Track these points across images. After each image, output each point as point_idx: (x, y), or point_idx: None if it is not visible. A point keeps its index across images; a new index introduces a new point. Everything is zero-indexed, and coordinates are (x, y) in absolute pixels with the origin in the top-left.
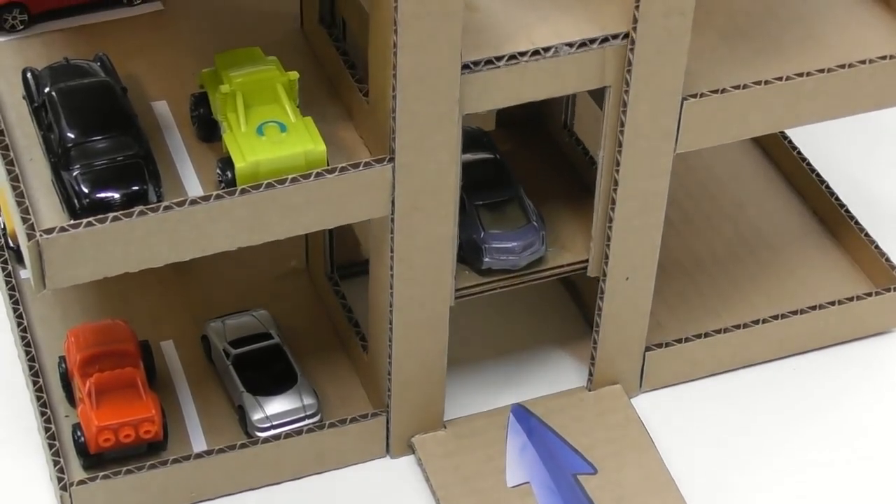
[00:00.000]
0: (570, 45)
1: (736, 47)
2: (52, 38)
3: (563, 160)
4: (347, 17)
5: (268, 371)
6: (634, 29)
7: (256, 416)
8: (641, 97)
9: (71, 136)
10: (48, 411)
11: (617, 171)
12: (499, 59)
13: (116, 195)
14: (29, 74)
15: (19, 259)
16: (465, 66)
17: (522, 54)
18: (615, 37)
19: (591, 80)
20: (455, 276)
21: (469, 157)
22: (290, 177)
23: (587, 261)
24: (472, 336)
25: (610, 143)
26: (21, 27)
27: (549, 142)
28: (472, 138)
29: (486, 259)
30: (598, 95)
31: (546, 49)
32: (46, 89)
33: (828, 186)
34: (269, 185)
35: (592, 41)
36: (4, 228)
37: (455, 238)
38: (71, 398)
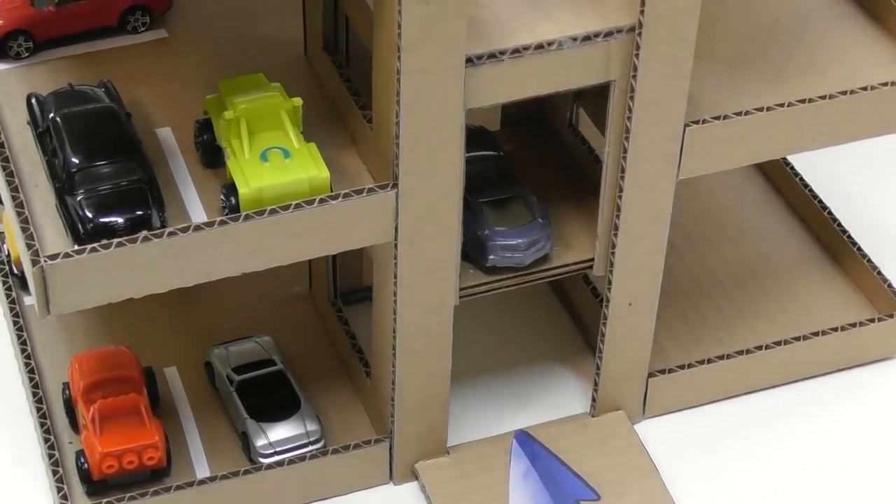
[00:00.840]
0: (575, 38)
1: (738, 74)
2: (57, 64)
3: (567, 159)
4: (352, 44)
5: (271, 397)
6: (637, 55)
7: (260, 443)
8: (644, 123)
9: (75, 161)
10: (52, 437)
11: (623, 171)
12: (502, 52)
13: (120, 220)
14: (33, 100)
15: (24, 285)
16: (469, 60)
17: (526, 48)
18: (619, 30)
19: (596, 75)
20: (459, 275)
21: (473, 155)
22: (293, 203)
23: (593, 259)
24: (475, 362)
25: (615, 139)
26: (26, 54)
27: (553, 141)
28: (475, 137)
29: (491, 256)
30: (594, 110)
31: (550, 43)
32: (51, 115)
33: (830, 212)
34: (272, 211)
35: (597, 35)
36: (9, 255)
37: (457, 264)
38: (74, 424)
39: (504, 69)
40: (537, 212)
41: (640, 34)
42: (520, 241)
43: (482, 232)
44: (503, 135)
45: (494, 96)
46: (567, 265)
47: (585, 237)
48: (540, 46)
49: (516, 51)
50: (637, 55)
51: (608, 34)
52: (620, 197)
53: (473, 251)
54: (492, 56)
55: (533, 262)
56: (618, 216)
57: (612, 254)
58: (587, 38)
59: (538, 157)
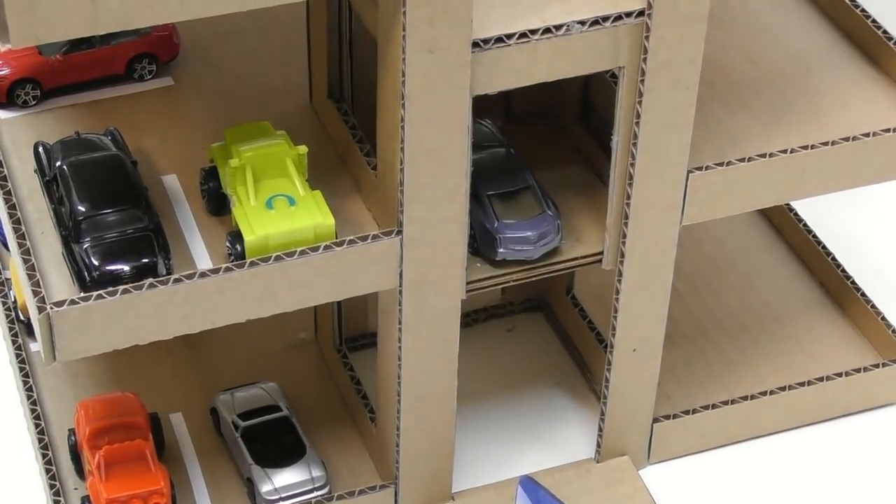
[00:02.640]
0: (583, 22)
1: (740, 120)
2: (63, 113)
3: (576, 153)
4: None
5: (276, 443)
6: (640, 102)
7: (265, 489)
8: (647, 170)
9: (82, 209)
10: (57, 484)
11: (632, 164)
12: (509, 37)
13: (126, 268)
14: (41, 148)
15: (30, 332)
16: (475, 45)
17: (533, 32)
18: (629, 14)
19: (605, 60)
20: (467, 268)
21: (480, 147)
22: (298, 249)
23: (602, 253)
24: (479, 406)
25: (624, 128)
26: (34, 102)
27: (561, 135)
28: (481, 131)
29: (501, 249)
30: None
31: (557, 27)
32: (58, 163)
33: (834, 258)
34: (278, 258)
35: (605, 19)
36: (15, 301)
37: (458, 307)
38: (80, 471)
39: (511, 54)
40: (547, 204)
41: (643, 80)
42: (530, 233)
43: (491, 225)
44: (510, 130)
45: (501, 82)
46: (576, 258)
47: (594, 231)
48: (548, 31)
49: (524, 35)
50: (643, 81)
51: (617, 18)
52: (629, 202)
53: (482, 245)
54: (499, 40)
55: (542, 255)
56: (623, 243)
57: (622, 247)
58: (595, 22)
59: (546, 152)
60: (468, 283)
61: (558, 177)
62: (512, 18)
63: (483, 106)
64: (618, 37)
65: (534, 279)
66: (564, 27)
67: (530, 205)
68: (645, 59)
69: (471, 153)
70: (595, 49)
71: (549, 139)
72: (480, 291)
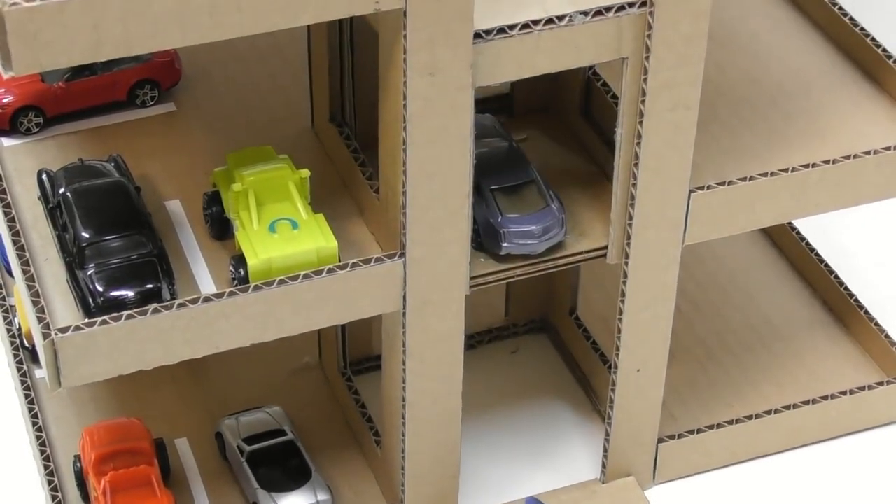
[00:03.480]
0: (585, 13)
1: (741, 140)
2: (66, 139)
3: (579, 148)
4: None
5: (282, 467)
6: (641, 122)
7: None
8: (649, 190)
9: (86, 235)
10: None
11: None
12: (511, 27)
13: (131, 293)
14: (44, 176)
15: (34, 359)
16: (478, 35)
17: (536, 23)
18: (631, 4)
19: (608, 51)
20: (471, 264)
21: (483, 142)
22: (302, 273)
23: (606, 247)
24: (484, 427)
25: (628, 120)
26: (37, 130)
27: (564, 130)
28: (484, 126)
29: (505, 244)
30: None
31: (560, 17)
32: (61, 190)
33: (836, 276)
34: (281, 282)
35: (608, 9)
36: (20, 328)
37: (462, 329)
38: (86, 497)
39: (513, 44)
40: (550, 198)
41: (643, 102)
42: (534, 227)
43: (495, 219)
44: (513, 124)
45: (504, 73)
46: (581, 252)
47: (599, 225)
48: (550, 21)
49: (526, 25)
50: (641, 121)
51: (620, 8)
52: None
53: (486, 240)
54: (501, 31)
55: (546, 250)
56: (626, 263)
57: (628, 243)
58: (599, 12)
59: (549, 146)
60: (472, 279)
61: (561, 172)
62: (514, 9)
63: (485, 101)
64: (621, 27)
65: (538, 274)
66: (567, 17)
67: (534, 199)
68: (647, 76)
69: (472, 173)
70: (598, 40)
71: (552, 134)
72: (484, 313)
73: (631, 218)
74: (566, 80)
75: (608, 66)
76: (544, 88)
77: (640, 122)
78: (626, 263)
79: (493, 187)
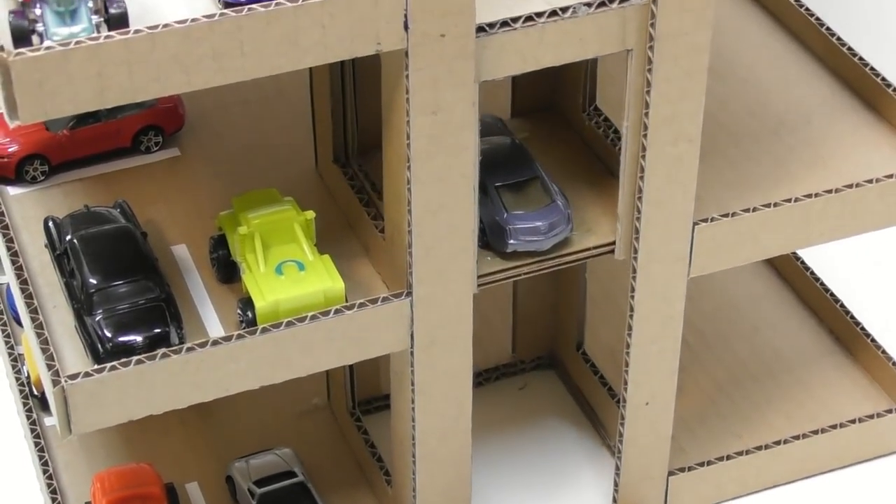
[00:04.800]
0: (589, 4)
1: (744, 171)
2: (72, 187)
3: (583, 145)
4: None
5: None
6: (643, 156)
7: None
8: (653, 223)
9: (93, 281)
10: None
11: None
12: (515, 20)
13: (139, 339)
14: (50, 223)
15: (44, 406)
16: (481, 29)
17: (539, 15)
18: None
19: (612, 43)
20: (478, 262)
21: (485, 140)
22: (309, 314)
23: (614, 243)
24: (494, 462)
25: (634, 113)
26: (42, 178)
27: (567, 127)
28: (487, 125)
29: (511, 241)
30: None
31: (564, 9)
32: (68, 237)
33: (842, 305)
34: (289, 324)
35: (612, 0)
36: (29, 376)
37: (470, 366)
38: None
39: (517, 38)
40: (556, 194)
41: (645, 136)
42: (540, 223)
43: (500, 216)
44: (515, 124)
45: (508, 67)
46: (588, 249)
47: (606, 221)
48: (554, 13)
49: (529, 18)
50: (643, 156)
51: (623, 0)
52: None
53: (492, 238)
54: (504, 24)
55: (553, 247)
56: (633, 282)
57: (636, 238)
58: (602, 3)
59: (553, 145)
60: (479, 277)
61: (566, 169)
62: (517, 2)
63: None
64: (625, 18)
65: (546, 271)
66: (571, 9)
67: (539, 195)
68: (648, 110)
69: (477, 197)
70: (602, 31)
71: (555, 132)
72: (491, 351)
73: (636, 252)
74: (568, 78)
75: (606, 101)
76: (546, 87)
77: (643, 156)
78: (633, 297)
79: (497, 184)
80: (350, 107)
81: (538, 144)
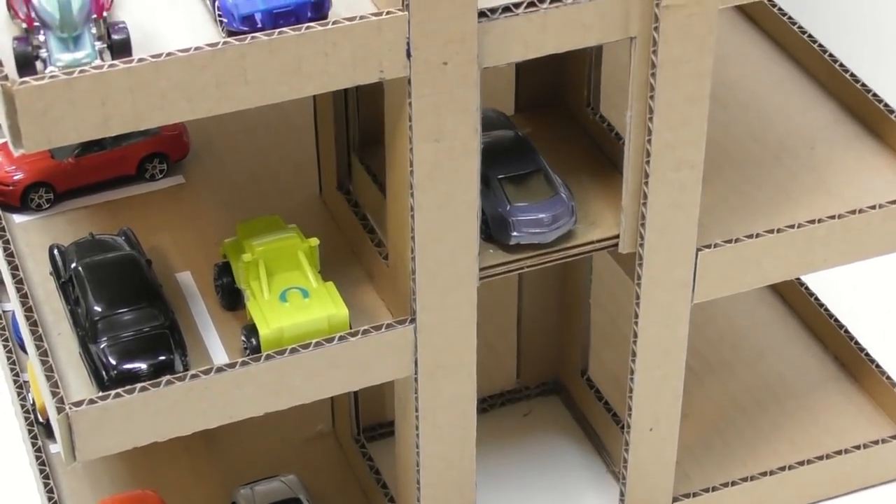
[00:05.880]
0: None
1: (747, 197)
2: (77, 215)
3: (586, 139)
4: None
5: None
6: (647, 183)
7: None
8: (656, 250)
9: (98, 309)
10: None
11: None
12: (517, 6)
13: (144, 366)
14: (55, 251)
15: (49, 433)
16: (482, 14)
17: (542, 1)
18: None
19: (616, 30)
20: (480, 255)
21: (488, 133)
22: (314, 341)
23: (618, 236)
24: (499, 492)
25: (638, 103)
26: (47, 206)
27: (571, 122)
28: (490, 120)
29: (514, 233)
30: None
31: None
32: (73, 264)
33: (846, 331)
34: (293, 351)
35: None
36: (34, 404)
37: (474, 393)
38: None
39: (519, 24)
40: (559, 186)
41: (648, 162)
42: (543, 215)
43: (503, 209)
44: (519, 119)
45: (510, 54)
46: (592, 242)
47: (610, 214)
48: None
49: (531, 4)
50: (647, 182)
51: None
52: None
53: (495, 230)
54: (506, 10)
55: (556, 239)
56: (637, 308)
57: (642, 231)
58: None
59: (556, 139)
60: (482, 270)
61: (569, 163)
62: None
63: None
64: (628, 4)
65: (549, 264)
66: None
67: (542, 188)
68: (650, 137)
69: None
70: (606, 18)
71: (558, 127)
72: (496, 377)
73: (640, 279)
74: (572, 72)
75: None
76: (549, 82)
77: (646, 183)
78: (637, 323)
79: (500, 176)
80: (353, 133)
81: (541, 139)
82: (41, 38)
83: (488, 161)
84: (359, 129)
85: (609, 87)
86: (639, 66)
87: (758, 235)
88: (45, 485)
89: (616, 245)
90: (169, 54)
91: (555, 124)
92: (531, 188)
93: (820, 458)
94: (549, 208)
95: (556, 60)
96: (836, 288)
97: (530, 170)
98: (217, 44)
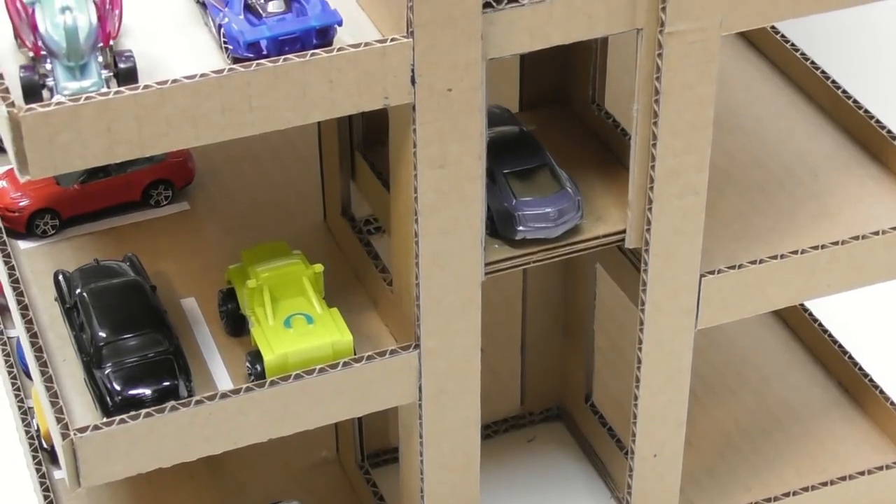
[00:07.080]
0: None
1: (751, 223)
2: (82, 241)
3: (592, 136)
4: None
5: None
6: (650, 208)
7: None
8: (660, 276)
9: (102, 334)
10: None
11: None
12: None
13: (148, 392)
14: (60, 277)
15: (53, 459)
16: (488, 5)
17: None
18: None
19: (622, 22)
20: (486, 250)
21: (493, 128)
22: (318, 367)
23: (624, 231)
24: None
25: (644, 97)
26: (52, 232)
27: (575, 118)
28: (495, 116)
29: (520, 228)
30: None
31: None
32: (78, 290)
33: (850, 356)
34: (297, 377)
35: None
36: (38, 430)
37: (479, 419)
38: None
39: (526, 14)
40: (565, 181)
41: (651, 188)
42: (549, 210)
43: (509, 203)
44: (523, 117)
45: (516, 44)
46: (598, 237)
47: (616, 210)
48: None
49: None
50: (650, 208)
51: None
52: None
53: (501, 225)
54: (512, 0)
55: (562, 234)
56: (641, 334)
57: (647, 229)
58: None
59: (561, 135)
60: (488, 265)
61: (574, 159)
62: None
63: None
64: None
65: (555, 259)
66: None
67: (548, 182)
68: (654, 162)
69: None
70: (611, 9)
71: (563, 124)
72: (500, 403)
73: (643, 304)
74: (576, 69)
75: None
76: (554, 79)
77: (650, 209)
78: (640, 349)
79: (505, 171)
80: (357, 131)
81: (546, 136)
82: (48, 66)
83: (494, 156)
84: (362, 126)
85: (613, 84)
86: (645, 58)
87: (761, 261)
88: None
89: (622, 240)
90: (174, 81)
91: (559, 121)
92: (537, 183)
93: (824, 483)
94: (555, 203)
95: (561, 57)
96: (839, 313)
97: (536, 164)
98: (222, 71)
